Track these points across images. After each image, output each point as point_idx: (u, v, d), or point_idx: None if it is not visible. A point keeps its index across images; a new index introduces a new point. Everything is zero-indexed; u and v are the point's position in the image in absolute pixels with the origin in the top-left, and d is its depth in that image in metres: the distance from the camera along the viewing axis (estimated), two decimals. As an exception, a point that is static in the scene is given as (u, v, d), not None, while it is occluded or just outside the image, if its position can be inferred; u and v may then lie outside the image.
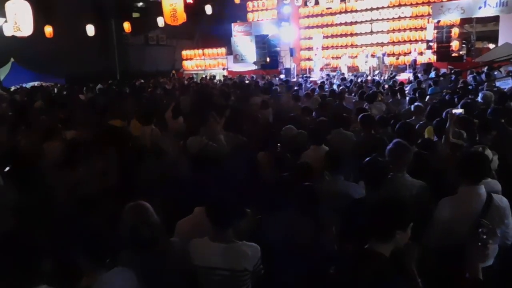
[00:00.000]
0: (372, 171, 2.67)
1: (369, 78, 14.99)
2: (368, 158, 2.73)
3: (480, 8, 15.73)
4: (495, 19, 17.64)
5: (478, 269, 1.86)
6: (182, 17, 12.08)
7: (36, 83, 17.26)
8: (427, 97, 7.53)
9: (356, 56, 19.51)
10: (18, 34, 10.80)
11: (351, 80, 13.28)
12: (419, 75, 13.31)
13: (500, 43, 16.28)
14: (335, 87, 11.11)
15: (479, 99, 5.86)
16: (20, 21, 10.79)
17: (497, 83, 7.18)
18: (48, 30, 16.84)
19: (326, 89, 9.99)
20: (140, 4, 25.72)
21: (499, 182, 2.77)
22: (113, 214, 2.17)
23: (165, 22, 13.80)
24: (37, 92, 12.49)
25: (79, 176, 3.20)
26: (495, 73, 10.19)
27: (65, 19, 18.05)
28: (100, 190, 2.87)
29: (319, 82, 13.95)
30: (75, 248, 1.81)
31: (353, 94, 9.20)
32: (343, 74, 16.88)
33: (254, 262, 2.08)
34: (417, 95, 6.96)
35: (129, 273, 1.88)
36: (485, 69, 11.08)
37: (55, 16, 17.65)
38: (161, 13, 13.34)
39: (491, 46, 19.49)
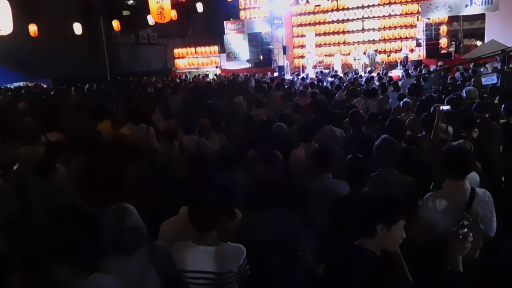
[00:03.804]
0: (354, 169, 2.69)
1: (363, 74, 15.07)
2: (349, 156, 2.75)
3: (466, 6, 16.10)
4: (482, 17, 17.91)
5: (458, 262, 1.89)
6: (169, 14, 12.05)
7: (21, 84, 16.96)
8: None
9: (349, 54, 19.67)
10: (-3, 33, 10.45)
11: (340, 77, 13.37)
12: (410, 71, 13.47)
13: (486, 40, 16.55)
14: (325, 83, 11.16)
15: (463, 94, 5.96)
16: (-2, 20, 10.39)
17: (483, 79, 7.26)
18: (33, 28, 16.35)
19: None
20: (130, 1, 25.43)
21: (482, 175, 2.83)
22: (96, 218, 2.09)
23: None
24: (21, 93, 12.26)
25: (56, 183, 3.05)
26: (481, 69, 10.32)
27: (50, 17, 17.46)
28: (80, 197, 2.73)
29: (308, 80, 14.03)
30: (52, 258, 1.72)
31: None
32: (336, 71, 16.97)
33: (239, 263, 2.04)
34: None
35: (109, 278, 1.81)
36: (471, 65, 11.23)
37: (39, 14, 17.10)
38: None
39: (479, 43, 19.75)
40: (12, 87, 15.75)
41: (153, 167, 3.67)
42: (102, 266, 1.94)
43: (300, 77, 15.46)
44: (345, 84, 10.59)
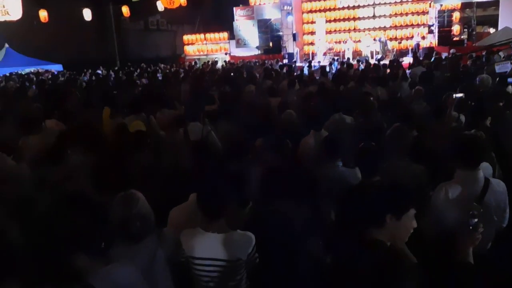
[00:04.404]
0: (366, 157, 2.65)
1: (372, 62, 14.84)
2: (361, 145, 2.71)
3: (480, -8, 15.66)
4: (495, 4, 17.43)
5: (468, 254, 1.85)
6: (178, 0, 11.97)
7: (32, 69, 17.08)
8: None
9: (359, 41, 19.35)
10: (7, 18, 10.41)
11: (350, 64, 13.15)
12: (420, 59, 13.22)
13: (500, 27, 16.13)
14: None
15: (476, 82, 5.84)
16: (7, 5, 10.31)
17: (497, 67, 7.07)
18: (43, 14, 16.32)
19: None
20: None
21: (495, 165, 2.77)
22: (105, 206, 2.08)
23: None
24: (31, 79, 12.28)
25: (66, 171, 3.03)
26: (494, 57, 10.08)
27: (60, 3, 17.40)
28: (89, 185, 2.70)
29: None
30: (64, 247, 1.66)
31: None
32: (348, 59, 16.73)
33: (248, 251, 2.04)
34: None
35: (129, 269, 1.77)
36: (484, 53, 10.98)
37: (49, 0, 17.21)
38: (160, -3, 13.15)
39: (492, 30, 19.28)
40: (23, 73, 15.88)
41: (159, 155, 3.66)
42: (110, 254, 1.91)
43: (307, 64, 15.26)
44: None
